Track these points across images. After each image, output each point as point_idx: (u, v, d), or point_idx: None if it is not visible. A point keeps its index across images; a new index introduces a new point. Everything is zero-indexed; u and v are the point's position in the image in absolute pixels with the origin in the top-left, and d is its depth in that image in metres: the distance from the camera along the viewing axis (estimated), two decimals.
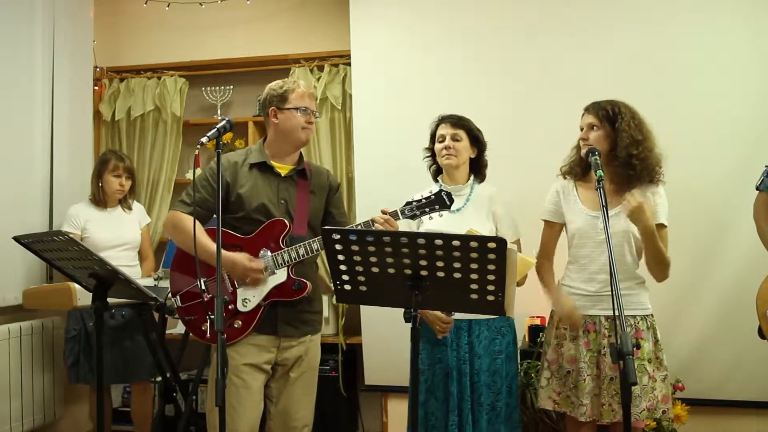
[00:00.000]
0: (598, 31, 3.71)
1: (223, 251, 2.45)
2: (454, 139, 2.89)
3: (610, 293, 2.42)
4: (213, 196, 2.61)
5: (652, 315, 2.69)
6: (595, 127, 2.67)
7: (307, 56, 4.30)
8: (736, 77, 3.54)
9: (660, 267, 2.62)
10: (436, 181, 3.03)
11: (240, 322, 2.59)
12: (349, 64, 4.15)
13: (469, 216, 2.89)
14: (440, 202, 2.49)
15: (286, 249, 2.58)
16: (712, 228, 3.51)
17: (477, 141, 2.95)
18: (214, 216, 2.67)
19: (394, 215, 2.52)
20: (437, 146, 2.93)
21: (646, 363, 2.61)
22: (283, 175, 2.70)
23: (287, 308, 2.63)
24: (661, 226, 2.65)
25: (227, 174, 2.65)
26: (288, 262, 2.57)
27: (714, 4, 3.60)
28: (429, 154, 3.03)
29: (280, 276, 2.59)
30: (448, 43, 3.95)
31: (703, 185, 3.49)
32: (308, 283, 2.61)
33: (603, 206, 2.33)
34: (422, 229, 2.92)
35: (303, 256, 2.57)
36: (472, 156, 2.96)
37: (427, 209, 2.50)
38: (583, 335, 2.66)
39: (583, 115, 2.75)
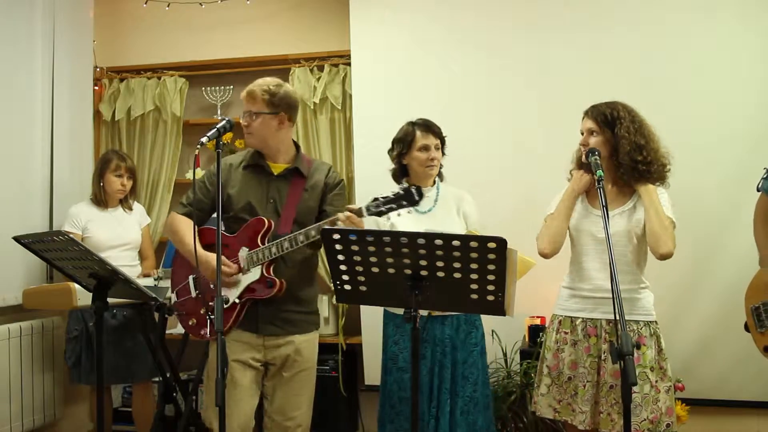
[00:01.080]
0: (598, 31, 3.71)
1: (200, 251, 2.54)
2: (437, 148, 2.98)
3: (611, 296, 2.40)
4: (208, 198, 2.70)
5: (656, 322, 2.64)
6: (594, 133, 2.65)
7: (307, 56, 4.30)
8: (736, 78, 3.54)
9: (661, 226, 2.51)
10: (399, 182, 3.03)
11: None
12: (349, 64, 4.15)
13: (439, 216, 2.94)
14: (408, 198, 2.36)
15: (261, 247, 2.58)
16: (712, 228, 3.51)
17: (443, 145, 3.04)
18: (213, 216, 2.74)
19: (359, 212, 2.44)
20: (421, 156, 2.96)
21: (648, 371, 2.56)
22: (276, 174, 2.70)
23: (267, 307, 2.62)
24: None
25: (221, 176, 2.66)
26: (261, 260, 2.57)
27: (714, 4, 3.59)
28: (397, 158, 3.02)
29: (255, 274, 2.59)
30: (448, 43, 3.95)
31: (703, 186, 3.49)
32: (279, 281, 2.58)
33: (603, 206, 2.33)
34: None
35: (275, 254, 2.55)
36: None
37: (394, 205, 2.38)
38: (584, 339, 2.63)
39: (582, 118, 2.73)
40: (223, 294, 2.58)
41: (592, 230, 2.65)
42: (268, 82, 2.66)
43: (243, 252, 2.60)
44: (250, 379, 2.65)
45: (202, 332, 2.68)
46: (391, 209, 2.39)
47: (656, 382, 2.57)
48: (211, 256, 2.51)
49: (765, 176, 2.44)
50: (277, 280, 2.58)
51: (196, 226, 2.46)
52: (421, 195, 2.36)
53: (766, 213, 2.37)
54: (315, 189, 2.72)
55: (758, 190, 2.44)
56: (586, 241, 2.68)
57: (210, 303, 2.62)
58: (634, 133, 2.60)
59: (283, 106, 2.64)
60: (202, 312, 2.68)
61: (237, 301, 2.60)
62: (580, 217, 2.71)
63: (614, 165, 2.65)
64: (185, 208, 2.72)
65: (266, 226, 2.59)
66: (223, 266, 2.52)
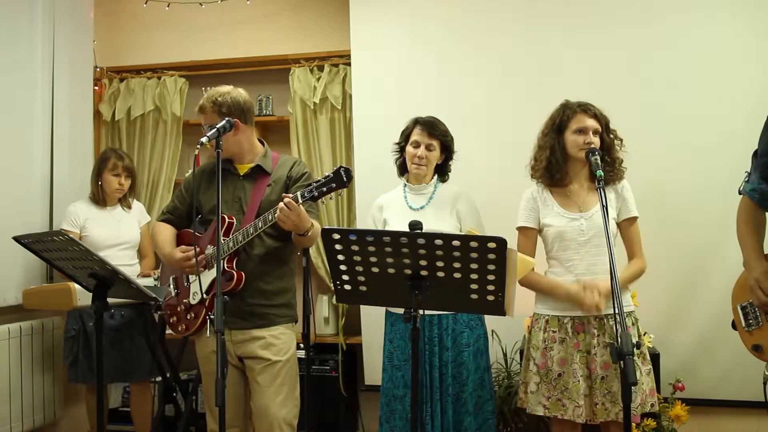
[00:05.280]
0: (598, 31, 3.71)
1: (166, 248, 2.77)
2: (428, 149, 2.99)
3: None
4: (184, 204, 2.86)
5: (634, 311, 2.75)
6: (598, 133, 2.71)
7: (307, 56, 4.30)
8: (735, 78, 3.53)
9: (634, 276, 2.74)
10: (402, 175, 3.12)
11: (192, 314, 2.73)
12: (349, 64, 4.15)
13: (430, 214, 2.96)
14: (338, 180, 2.43)
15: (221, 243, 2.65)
16: (713, 227, 3.50)
17: (447, 149, 3.04)
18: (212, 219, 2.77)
19: (295, 199, 2.47)
20: (410, 150, 3.01)
21: (636, 358, 2.60)
22: (242, 174, 2.76)
23: (233, 300, 2.62)
24: (633, 219, 2.73)
25: (195, 183, 2.83)
26: (222, 255, 2.62)
27: (714, 4, 3.59)
28: (398, 149, 3.11)
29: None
30: (447, 42, 3.95)
31: (703, 186, 3.49)
32: (238, 273, 2.64)
33: (603, 206, 2.36)
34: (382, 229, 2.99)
35: (232, 248, 2.63)
36: (439, 162, 3.06)
37: (324, 189, 2.44)
38: (573, 336, 2.67)
39: (576, 115, 2.74)
40: (194, 291, 2.73)
41: (573, 233, 2.70)
42: (215, 92, 2.70)
43: (208, 250, 2.71)
44: (233, 373, 2.68)
45: (180, 329, 2.82)
46: (322, 193, 2.44)
47: (641, 366, 2.63)
48: (173, 253, 2.74)
49: (746, 179, 2.48)
50: (234, 272, 2.64)
51: (167, 228, 2.80)
52: (349, 176, 2.42)
53: (748, 215, 2.43)
54: (278, 183, 2.75)
55: (740, 193, 2.48)
56: (567, 245, 2.72)
57: (185, 300, 2.77)
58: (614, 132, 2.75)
59: (234, 112, 2.67)
60: (179, 310, 2.81)
61: (205, 296, 2.67)
62: (560, 222, 2.73)
63: (604, 164, 2.71)
64: (164, 215, 2.91)
65: (227, 222, 2.67)
66: (180, 255, 2.69)
